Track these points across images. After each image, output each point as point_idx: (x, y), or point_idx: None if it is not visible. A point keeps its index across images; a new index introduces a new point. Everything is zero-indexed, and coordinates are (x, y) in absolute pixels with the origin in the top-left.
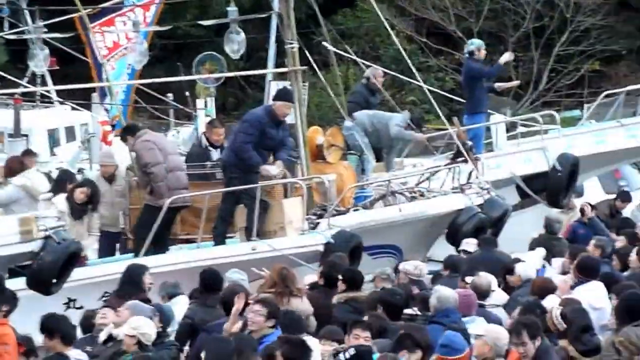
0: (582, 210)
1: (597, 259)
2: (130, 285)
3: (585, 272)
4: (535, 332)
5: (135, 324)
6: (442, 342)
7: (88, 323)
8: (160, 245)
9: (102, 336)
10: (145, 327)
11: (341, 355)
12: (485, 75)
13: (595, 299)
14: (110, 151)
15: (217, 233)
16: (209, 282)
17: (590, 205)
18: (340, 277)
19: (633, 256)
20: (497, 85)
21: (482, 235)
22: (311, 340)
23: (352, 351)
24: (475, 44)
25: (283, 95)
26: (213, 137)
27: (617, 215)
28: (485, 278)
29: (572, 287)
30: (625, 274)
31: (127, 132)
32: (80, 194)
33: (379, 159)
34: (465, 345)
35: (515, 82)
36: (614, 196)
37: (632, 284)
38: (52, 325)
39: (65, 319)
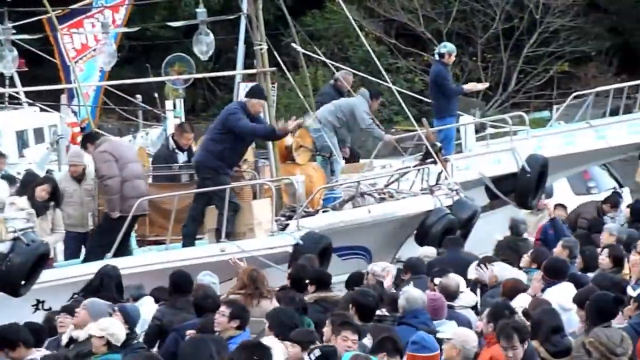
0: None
1: (563, 260)
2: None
3: (553, 273)
4: (525, 336)
5: (104, 325)
6: (414, 339)
7: (50, 325)
8: (121, 252)
9: (64, 339)
10: (114, 328)
11: (306, 357)
12: (446, 87)
13: (565, 300)
14: (80, 151)
15: (186, 232)
16: (179, 283)
17: (562, 206)
18: (307, 280)
19: (604, 258)
20: (465, 87)
21: (450, 236)
22: (273, 342)
23: (317, 352)
24: (448, 48)
25: (257, 92)
26: (182, 140)
27: (602, 218)
28: (454, 279)
29: (542, 290)
30: (592, 275)
31: (87, 140)
32: (41, 192)
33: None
34: (436, 345)
35: (484, 85)
36: (602, 198)
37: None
38: (12, 337)
39: (19, 327)
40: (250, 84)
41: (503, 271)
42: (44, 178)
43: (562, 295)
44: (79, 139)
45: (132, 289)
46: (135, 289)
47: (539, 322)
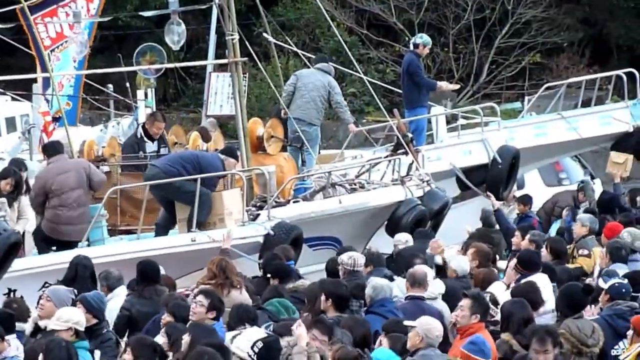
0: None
1: (535, 252)
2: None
3: (526, 265)
4: (558, 340)
5: (66, 317)
6: (472, 339)
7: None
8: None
9: (28, 329)
10: (75, 316)
11: (250, 350)
12: (418, 76)
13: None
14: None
15: (159, 224)
16: (146, 273)
17: (523, 199)
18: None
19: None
20: (439, 84)
21: (419, 229)
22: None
23: (259, 344)
24: (424, 40)
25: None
26: (153, 129)
27: (579, 208)
28: (421, 269)
29: (517, 281)
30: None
31: (44, 152)
32: (5, 185)
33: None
34: (490, 353)
35: (456, 85)
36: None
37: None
38: None
39: None
40: (222, 74)
41: (460, 263)
42: (5, 171)
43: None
44: (50, 127)
45: (112, 279)
46: (115, 280)
47: (510, 315)
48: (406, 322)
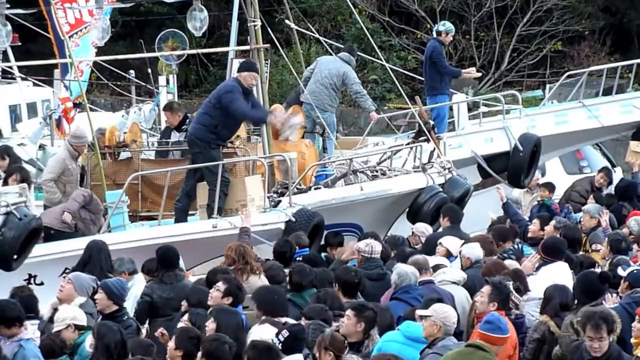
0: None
1: (561, 239)
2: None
3: (550, 252)
4: (613, 326)
5: (62, 316)
6: (488, 318)
7: None
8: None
9: (47, 313)
10: (69, 313)
11: (275, 338)
12: (441, 63)
13: (561, 280)
14: (81, 131)
15: (179, 207)
16: (166, 258)
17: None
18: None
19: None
20: (463, 71)
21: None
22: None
23: (285, 333)
24: (446, 27)
25: (248, 66)
26: (166, 120)
27: (597, 191)
28: (420, 256)
29: (537, 268)
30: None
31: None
32: (12, 182)
33: None
34: (508, 328)
35: (477, 74)
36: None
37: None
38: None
39: (15, 304)
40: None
41: (472, 250)
42: (13, 168)
43: (557, 275)
44: (71, 113)
45: (127, 263)
46: (131, 263)
47: (550, 297)
48: (419, 312)
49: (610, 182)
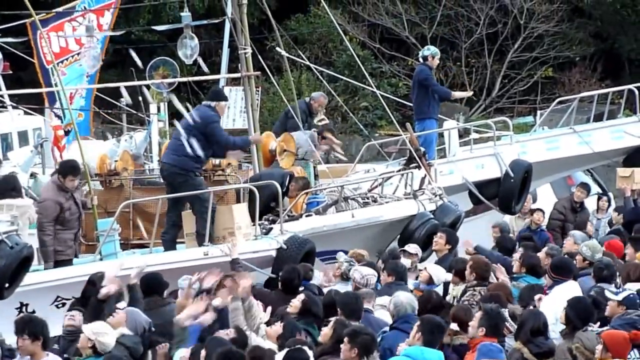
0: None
1: (568, 259)
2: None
3: (560, 272)
4: None
5: (97, 330)
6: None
7: None
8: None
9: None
10: (106, 337)
11: None
12: (431, 87)
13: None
14: None
15: (167, 239)
16: (149, 285)
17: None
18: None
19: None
20: (454, 93)
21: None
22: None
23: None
24: (431, 51)
25: (223, 95)
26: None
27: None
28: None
29: (549, 288)
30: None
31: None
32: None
33: None
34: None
35: (469, 92)
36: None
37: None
38: (36, 330)
39: (45, 325)
40: (235, 88)
41: (438, 272)
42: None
43: (570, 294)
44: (62, 142)
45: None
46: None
47: (524, 322)
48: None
49: (588, 194)
